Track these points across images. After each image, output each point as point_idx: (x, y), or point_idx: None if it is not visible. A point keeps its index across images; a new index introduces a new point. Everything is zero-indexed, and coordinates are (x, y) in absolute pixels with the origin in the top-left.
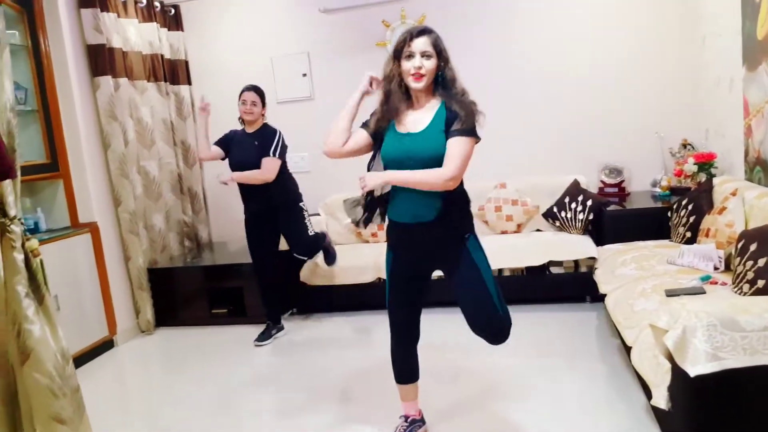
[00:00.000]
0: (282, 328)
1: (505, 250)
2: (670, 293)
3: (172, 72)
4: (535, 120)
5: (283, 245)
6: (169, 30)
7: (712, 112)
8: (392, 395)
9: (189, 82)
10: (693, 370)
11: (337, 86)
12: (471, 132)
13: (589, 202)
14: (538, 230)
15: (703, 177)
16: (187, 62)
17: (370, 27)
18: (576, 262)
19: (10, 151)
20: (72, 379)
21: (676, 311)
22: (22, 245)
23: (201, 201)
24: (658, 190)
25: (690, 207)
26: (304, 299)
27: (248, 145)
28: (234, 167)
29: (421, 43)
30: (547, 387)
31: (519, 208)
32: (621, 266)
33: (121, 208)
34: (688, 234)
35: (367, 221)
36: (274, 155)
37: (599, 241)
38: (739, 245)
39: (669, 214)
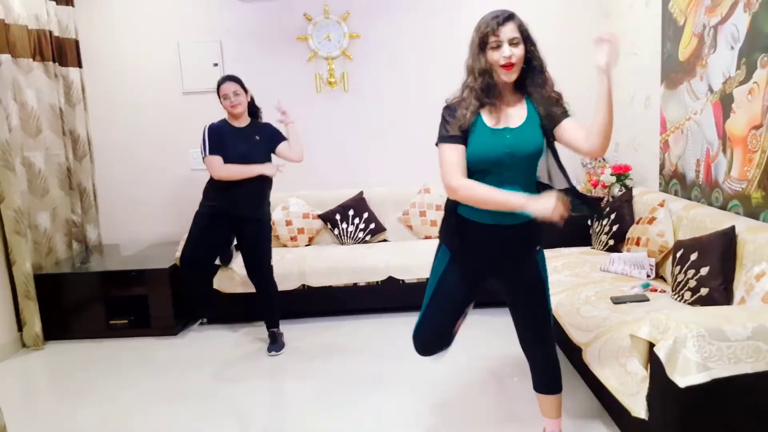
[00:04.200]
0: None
1: (429, 255)
2: (617, 300)
3: (60, 52)
4: None
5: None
6: (57, 4)
7: (624, 127)
8: (338, 405)
9: (79, 65)
10: (683, 381)
11: (253, 79)
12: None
13: None
14: None
15: (617, 188)
16: (77, 42)
17: (291, 19)
18: None
19: None
20: None
21: (661, 321)
22: None
23: (91, 198)
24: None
25: (612, 216)
26: (218, 307)
27: (248, 142)
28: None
29: (508, 30)
30: (504, 397)
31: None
32: (554, 272)
33: (4, 204)
34: (611, 242)
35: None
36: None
37: None
38: (678, 254)
39: (589, 222)
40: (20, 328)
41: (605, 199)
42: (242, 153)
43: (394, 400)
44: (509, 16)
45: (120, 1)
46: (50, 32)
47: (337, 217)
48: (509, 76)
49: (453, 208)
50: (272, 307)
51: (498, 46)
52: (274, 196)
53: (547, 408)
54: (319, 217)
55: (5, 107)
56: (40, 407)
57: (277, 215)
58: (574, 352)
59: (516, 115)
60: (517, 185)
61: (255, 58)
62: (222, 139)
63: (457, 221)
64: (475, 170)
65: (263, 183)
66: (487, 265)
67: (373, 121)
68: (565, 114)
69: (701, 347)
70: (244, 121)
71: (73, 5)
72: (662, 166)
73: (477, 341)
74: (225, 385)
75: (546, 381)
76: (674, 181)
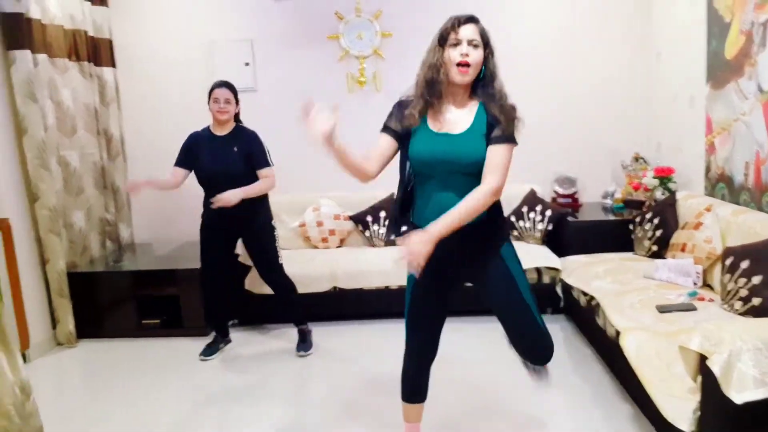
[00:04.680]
0: (229, 341)
1: None
2: (663, 309)
3: (95, 52)
4: None
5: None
6: (92, 4)
7: (667, 127)
8: (364, 411)
9: (113, 65)
10: (740, 397)
11: (283, 78)
12: (513, 138)
13: (549, 212)
14: None
15: (659, 191)
16: (111, 42)
17: (322, 18)
18: (539, 273)
19: None
20: (34, 419)
21: (713, 333)
22: None
23: (123, 197)
24: (609, 201)
25: (655, 221)
26: (249, 309)
27: (223, 150)
28: (206, 175)
29: (468, 31)
30: (534, 403)
31: None
32: (596, 279)
33: (39, 203)
34: (654, 248)
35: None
36: (271, 164)
37: (559, 252)
38: (727, 262)
39: (631, 227)
40: (54, 326)
41: (647, 203)
42: (211, 164)
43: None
44: (472, 19)
45: (153, 1)
46: (85, 32)
47: (369, 218)
48: (463, 78)
49: (403, 215)
50: (292, 305)
51: (457, 44)
52: (305, 197)
53: None
54: (350, 218)
55: (41, 107)
56: (73, 405)
57: (308, 216)
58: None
59: (461, 121)
60: (456, 192)
61: (286, 58)
62: (197, 149)
63: (413, 228)
64: (417, 173)
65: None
66: (451, 270)
67: None
68: (499, 139)
69: (759, 361)
70: (225, 130)
71: (107, 5)
72: (708, 169)
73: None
74: (254, 386)
75: (536, 361)
76: (721, 185)
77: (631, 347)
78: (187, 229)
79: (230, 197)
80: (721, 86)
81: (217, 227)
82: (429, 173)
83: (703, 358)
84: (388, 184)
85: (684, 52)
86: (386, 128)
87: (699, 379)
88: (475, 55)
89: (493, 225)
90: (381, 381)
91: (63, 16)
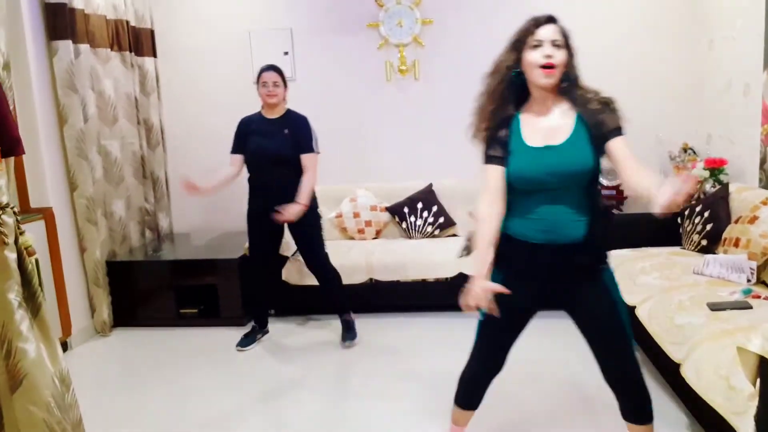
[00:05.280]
0: (267, 332)
1: None
2: (715, 307)
3: (136, 42)
4: None
5: None
6: None
7: (718, 116)
8: (403, 402)
9: (154, 55)
10: None
11: (322, 68)
12: (623, 128)
13: None
14: None
15: (709, 183)
16: (152, 31)
17: (362, 6)
18: None
19: None
20: (73, 411)
21: None
22: (15, 241)
23: (163, 187)
24: None
25: (705, 214)
26: (286, 300)
27: (275, 133)
28: (256, 156)
29: (549, 31)
30: (587, 412)
31: None
32: (641, 274)
33: (77, 192)
34: (704, 242)
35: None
36: (316, 150)
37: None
38: None
39: (679, 220)
40: (92, 315)
41: (696, 195)
42: (261, 145)
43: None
44: (552, 19)
45: None
46: (127, 22)
47: (406, 210)
48: (548, 79)
49: (502, 226)
50: (336, 294)
51: (537, 46)
52: (341, 188)
53: None
54: (387, 209)
55: (82, 97)
56: (110, 394)
57: (345, 207)
58: (668, 370)
59: (559, 128)
60: (566, 205)
61: (325, 46)
62: (247, 132)
63: (505, 239)
64: (520, 190)
65: (291, 173)
66: (546, 291)
67: (444, 111)
68: (617, 131)
69: None
70: (277, 113)
71: None
72: (763, 160)
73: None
74: (293, 377)
75: (635, 408)
76: None
77: (691, 375)
78: (225, 219)
79: (293, 212)
80: None
81: (265, 215)
82: (534, 189)
83: (763, 361)
84: (426, 175)
85: (739, 38)
86: (492, 158)
87: (758, 382)
88: (559, 56)
89: (600, 240)
90: (419, 373)
91: (106, 5)
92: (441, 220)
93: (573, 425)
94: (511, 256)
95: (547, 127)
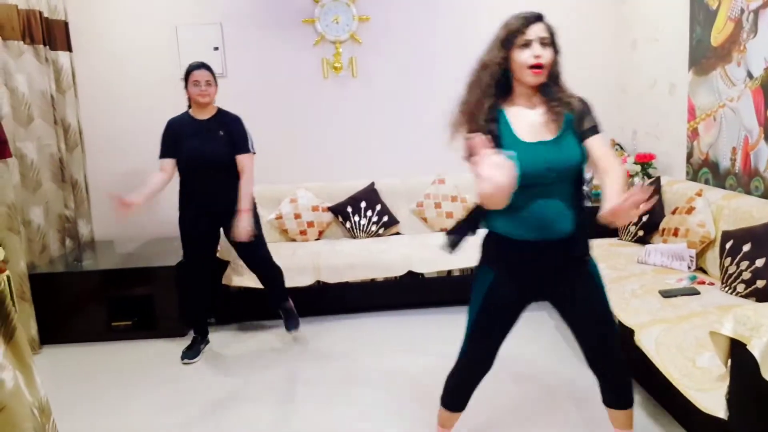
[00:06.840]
0: (208, 341)
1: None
2: (666, 294)
3: (50, 35)
4: None
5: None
6: None
7: (643, 114)
8: (355, 406)
9: (69, 49)
10: None
11: (254, 64)
12: (599, 127)
13: None
14: None
15: (638, 177)
16: (67, 24)
17: (297, 1)
18: None
19: None
20: None
21: (749, 318)
22: None
23: (83, 191)
24: (587, 188)
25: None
26: (227, 305)
27: (210, 135)
28: (191, 161)
29: (538, 29)
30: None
31: (459, 205)
32: None
33: None
34: (640, 233)
35: (456, 243)
36: (252, 150)
37: None
38: (727, 245)
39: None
40: None
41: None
42: (197, 148)
43: (419, 399)
44: (539, 17)
45: None
46: (40, 12)
47: (349, 209)
48: (537, 79)
49: (487, 225)
50: (278, 284)
51: (526, 45)
52: (280, 188)
53: (621, 421)
54: (330, 209)
55: None
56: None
57: (285, 208)
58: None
59: (548, 124)
60: (558, 198)
61: (258, 42)
62: (179, 134)
63: (494, 238)
64: (519, 185)
65: (228, 175)
66: (537, 285)
67: (383, 109)
68: (594, 130)
69: None
70: (208, 113)
71: None
72: (690, 155)
73: None
74: (239, 388)
75: (617, 392)
76: (704, 170)
77: (649, 345)
78: (149, 226)
79: (245, 227)
80: (706, 73)
81: (199, 219)
82: (530, 184)
83: (735, 343)
84: (368, 174)
85: (663, 39)
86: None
87: (729, 363)
88: (548, 55)
89: (585, 232)
90: (370, 376)
91: None
92: (385, 218)
93: (552, 421)
94: (500, 254)
95: (536, 122)
